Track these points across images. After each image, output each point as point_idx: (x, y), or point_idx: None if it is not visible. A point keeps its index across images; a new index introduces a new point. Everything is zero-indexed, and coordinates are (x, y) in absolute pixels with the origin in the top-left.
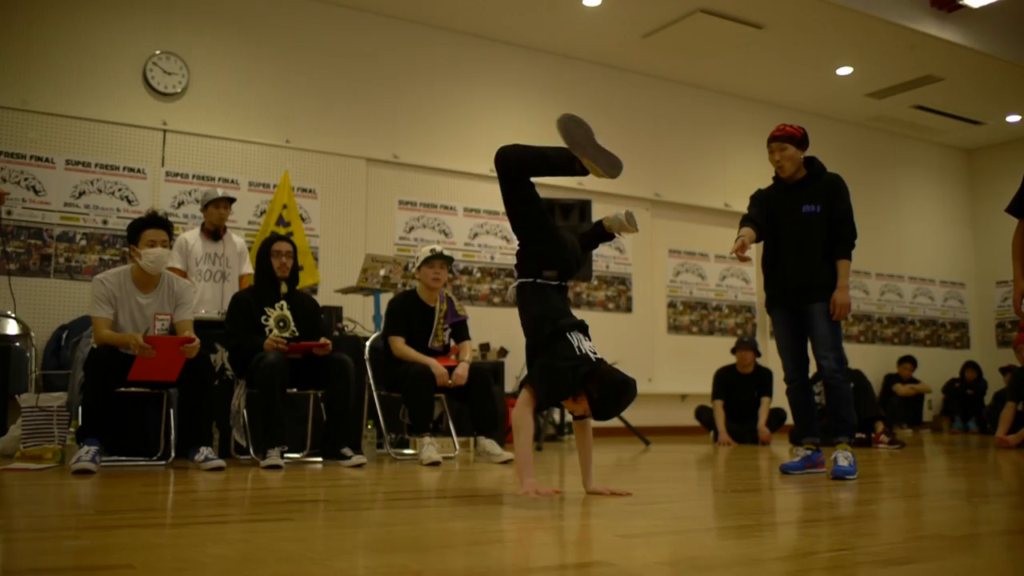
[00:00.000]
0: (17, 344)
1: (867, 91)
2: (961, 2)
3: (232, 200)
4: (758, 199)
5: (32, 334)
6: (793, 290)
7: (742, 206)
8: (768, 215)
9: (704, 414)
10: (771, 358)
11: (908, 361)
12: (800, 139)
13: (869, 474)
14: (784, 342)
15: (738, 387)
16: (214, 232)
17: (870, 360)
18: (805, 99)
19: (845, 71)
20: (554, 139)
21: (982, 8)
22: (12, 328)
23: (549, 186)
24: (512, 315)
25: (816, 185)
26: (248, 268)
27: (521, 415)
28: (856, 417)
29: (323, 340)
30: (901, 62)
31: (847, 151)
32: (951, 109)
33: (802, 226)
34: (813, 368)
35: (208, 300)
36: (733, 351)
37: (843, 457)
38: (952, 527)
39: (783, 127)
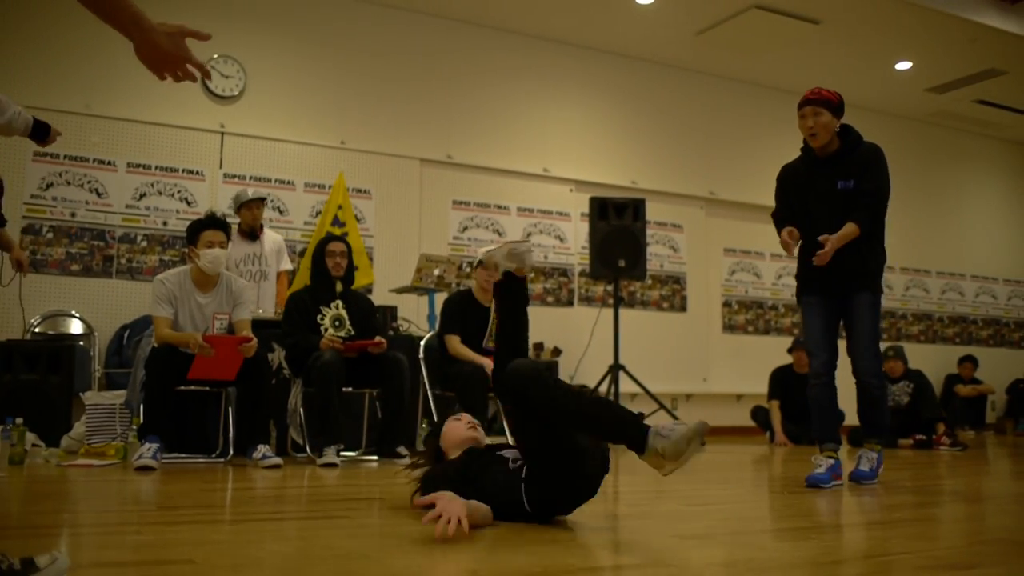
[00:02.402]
0: (81, 343)
1: (927, 86)
2: None
3: (263, 199)
4: (783, 183)
5: (95, 333)
6: (835, 276)
7: None
8: (796, 195)
9: (760, 414)
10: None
11: (969, 361)
12: (837, 105)
13: (930, 476)
14: (817, 332)
15: (794, 387)
16: (250, 232)
17: (931, 360)
18: (863, 95)
19: (904, 66)
20: (604, 138)
21: None
22: (76, 327)
23: (600, 185)
24: (564, 314)
25: (852, 157)
26: (286, 264)
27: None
28: (889, 419)
29: (378, 339)
30: (962, 55)
31: (907, 147)
32: (1014, 103)
33: (838, 204)
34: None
35: (250, 299)
36: (789, 351)
37: (866, 460)
38: (1016, 532)
39: (818, 89)
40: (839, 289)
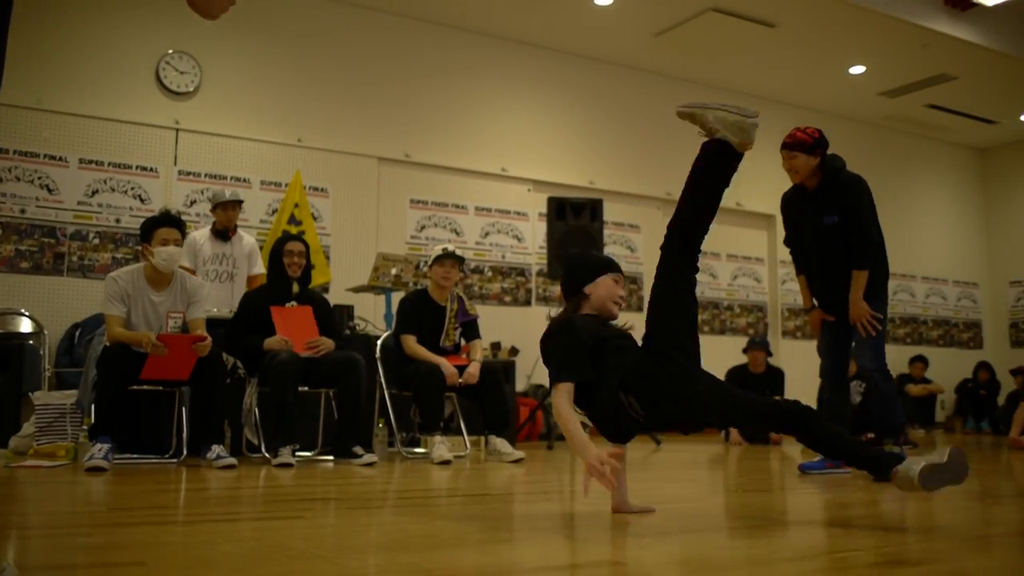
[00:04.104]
0: (30, 342)
1: (880, 90)
2: (975, 0)
3: (240, 202)
4: (784, 212)
5: (45, 332)
6: (829, 303)
7: (754, 205)
8: (794, 225)
9: None
10: (782, 358)
11: (919, 361)
12: (811, 145)
13: None
14: (824, 340)
15: (749, 387)
16: (223, 233)
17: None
18: (818, 98)
19: (858, 70)
20: (562, 138)
21: (996, 6)
22: (26, 326)
23: (557, 185)
24: (521, 313)
25: (833, 191)
26: (259, 268)
27: (559, 410)
28: (899, 417)
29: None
30: (914, 61)
31: (860, 150)
32: (964, 108)
33: (824, 239)
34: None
35: (216, 299)
36: (745, 351)
37: None
38: (965, 528)
39: (795, 133)
40: (835, 313)
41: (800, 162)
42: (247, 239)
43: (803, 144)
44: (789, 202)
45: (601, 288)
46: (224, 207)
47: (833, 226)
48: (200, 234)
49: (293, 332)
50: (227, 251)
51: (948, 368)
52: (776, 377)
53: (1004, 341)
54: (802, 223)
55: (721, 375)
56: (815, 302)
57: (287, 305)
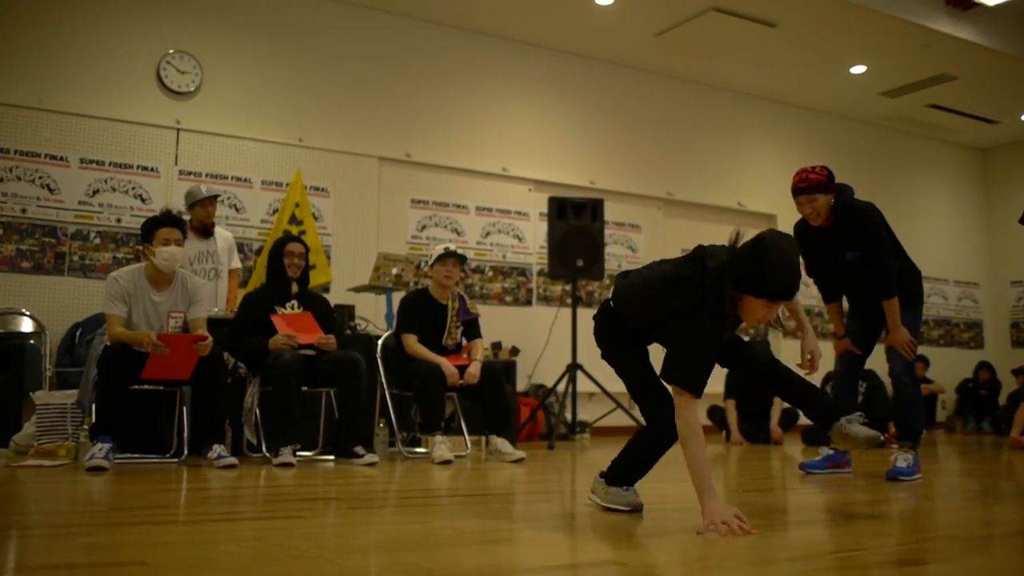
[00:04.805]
0: (31, 342)
1: (881, 90)
2: (976, 0)
3: (216, 196)
4: (801, 243)
5: (46, 332)
6: (866, 311)
7: (755, 205)
8: (815, 257)
9: (717, 414)
10: (782, 357)
11: (920, 361)
12: (827, 183)
13: (882, 474)
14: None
15: (750, 387)
16: (203, 229)
17: (883, 360)
18: (818, 98)
19: (859, 70)
20: (563, 138)
21: (997, 6)
22: (27, 326)
23: (558, 184)
24: (522, 313)
25: (850, 225)
26: (236, 263)
27: (685, 423)
28: (921, 422)
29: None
30: (915, 61)
31: (860, 150)
32: (965, 108)
33: (854, 273)
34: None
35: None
36: None
37: (902, 459)
38: (965, 528)
39: (807, 176)
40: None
41: (821, 203)
42: (224, 234)
43: (820, 185)
44: (805, 234)
45: (759, 309)
46: (202, 203)
47: (856, 261)
48: None
49: (297, 332)
50: (210, 248)
51: (949, 368)
52: None
53: (1005, 341)
54: (825, 260)
55: (721, 375)
56: (845, 322)
57: (287, 305)
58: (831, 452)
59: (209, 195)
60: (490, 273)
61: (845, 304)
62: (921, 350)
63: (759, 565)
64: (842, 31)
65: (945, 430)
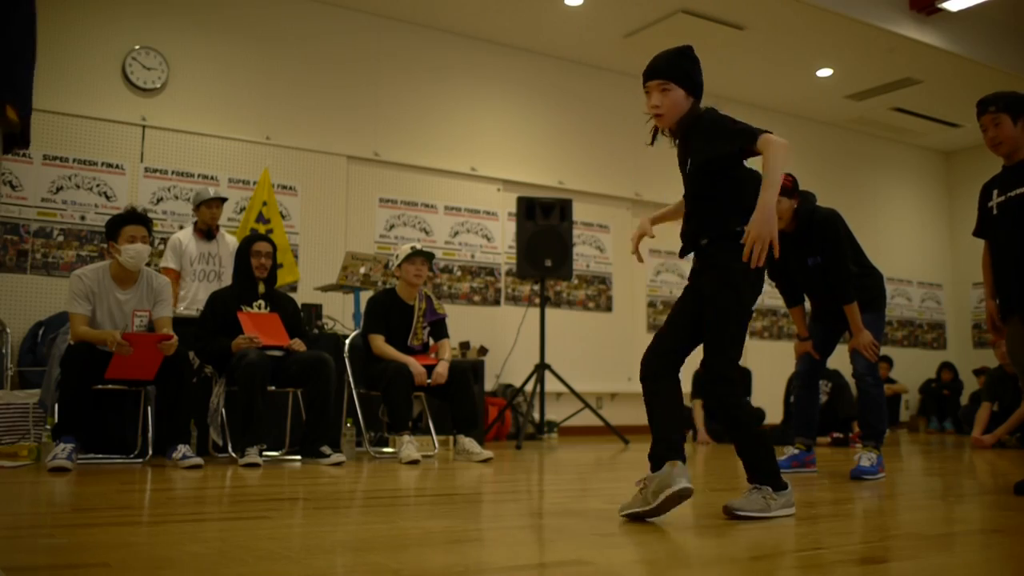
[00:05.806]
0: None
1: (847, 93)
2: (940, 5)
3: (223, 200)
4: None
5: (8, 330)
6: (828, 313)
7: None
8: (780, 263)
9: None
10: (749, 358)
11: (884, 361)
12: (791, 190)
13: (846, 473)
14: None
15: None
16: (207, 232)
17: (847, 360)
18: (785, 100)
19: (825, 73)
20: (532, 138)
21: (960, 12)
22: None
23: (527, 184)
24: (490, 313)
25: (811, 233)
26: None
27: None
28: (885, 423)
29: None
30: (880, 64)
31: (826, 152)
32: (929, 111)
33: (814, 278)
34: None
35: (203, 299)
36: None
37: (866, 458)
38: (927, 526)
39: None
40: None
41: (784, 207)
42: (230, 239)
43: (785, 190)
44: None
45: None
46: (208, 204)
47: (817, 266)
48: (184, 234)
49: (261, 334)
50: (213, 250)
51: (912, 368)
52: (744, 377)
53: (967, 342)
54: (787, 264)
55: (689, 375)
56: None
57: (254, 305)
58: (796, 451)
59: (216, 197)
60: (458, 273)
61: (808, 306)
62: (885, 351)
63: (723, 564)
64: (809, 34)
65: (908, 430)
